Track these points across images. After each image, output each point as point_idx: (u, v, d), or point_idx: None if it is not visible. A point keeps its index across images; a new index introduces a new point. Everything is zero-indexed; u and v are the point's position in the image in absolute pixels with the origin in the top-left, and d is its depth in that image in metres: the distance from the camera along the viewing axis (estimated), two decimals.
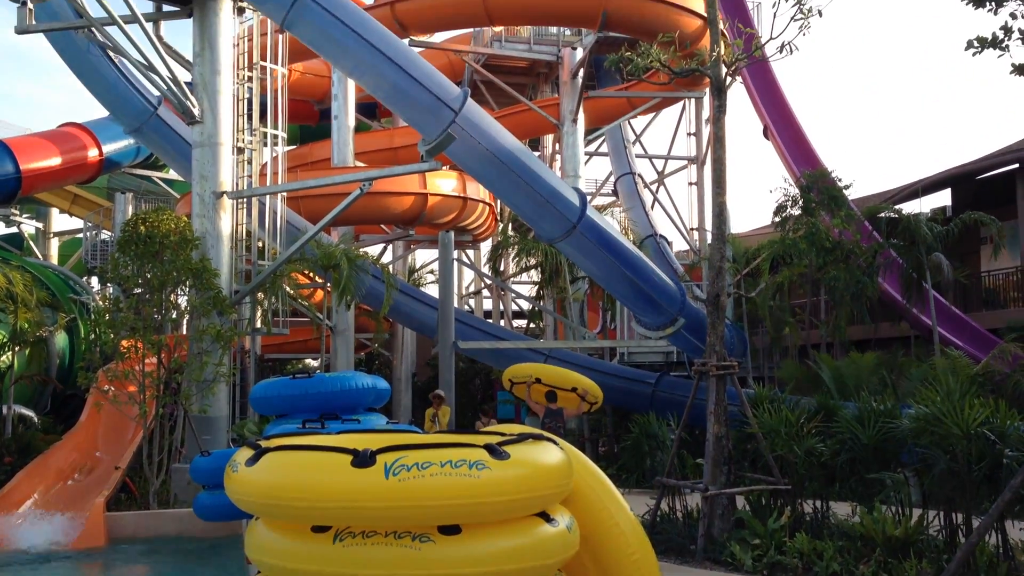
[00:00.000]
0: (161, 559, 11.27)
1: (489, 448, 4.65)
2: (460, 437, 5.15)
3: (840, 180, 19.90)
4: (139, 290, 14.97)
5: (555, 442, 5.22)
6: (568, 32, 24.06)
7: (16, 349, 16.91)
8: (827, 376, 15.60)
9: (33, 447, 15.80)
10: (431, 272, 29.83)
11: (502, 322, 28.79)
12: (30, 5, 16.04)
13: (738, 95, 28.18)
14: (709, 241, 13.53)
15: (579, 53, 23.53)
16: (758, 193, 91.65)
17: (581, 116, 23.23)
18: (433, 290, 23.57)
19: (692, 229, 27.34)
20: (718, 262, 11.26)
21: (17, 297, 16.27)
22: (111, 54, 17.23)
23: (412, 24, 21.48)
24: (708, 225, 24.64)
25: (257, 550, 5.00)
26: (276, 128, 17.05)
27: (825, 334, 20.32)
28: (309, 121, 29.08)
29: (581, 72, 23.17)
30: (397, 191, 20.59)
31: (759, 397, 12.51)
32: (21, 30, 16.01)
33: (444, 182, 21.41)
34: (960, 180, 24.05)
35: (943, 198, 25.42)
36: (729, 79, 11.69)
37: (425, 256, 30.27)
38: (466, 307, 30.73)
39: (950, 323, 20.01)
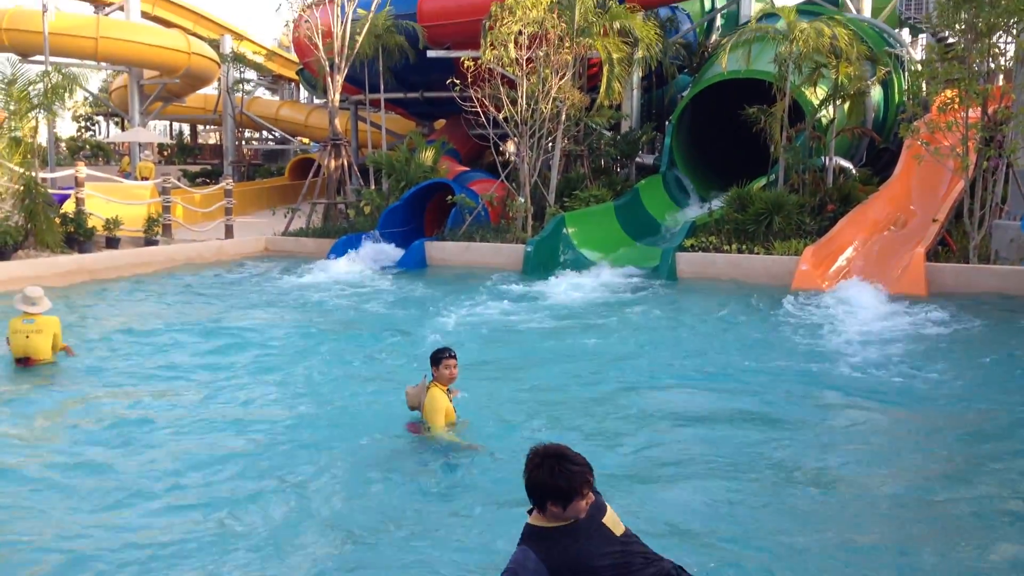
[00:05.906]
0: (983, 314, 11.12)
1: None
2: None
3: None
4: (954, 38, 14.24)
5: None
6: None
7: (837, 103, 17.70)
8: None
9: (852, 197, 16.66)
10: None
11: None
12: None
13: None
14: None
15: None
16: None
17: None
18: None
19: None
20: None
21: (840, 52, 16.85)
22: None
23: None
24: None
25: None
26: None
27: None
28: None
29: None
30: None
31: None
32: None
33: None
34: None
35: None
36: None
37: None
38: None
39: None
